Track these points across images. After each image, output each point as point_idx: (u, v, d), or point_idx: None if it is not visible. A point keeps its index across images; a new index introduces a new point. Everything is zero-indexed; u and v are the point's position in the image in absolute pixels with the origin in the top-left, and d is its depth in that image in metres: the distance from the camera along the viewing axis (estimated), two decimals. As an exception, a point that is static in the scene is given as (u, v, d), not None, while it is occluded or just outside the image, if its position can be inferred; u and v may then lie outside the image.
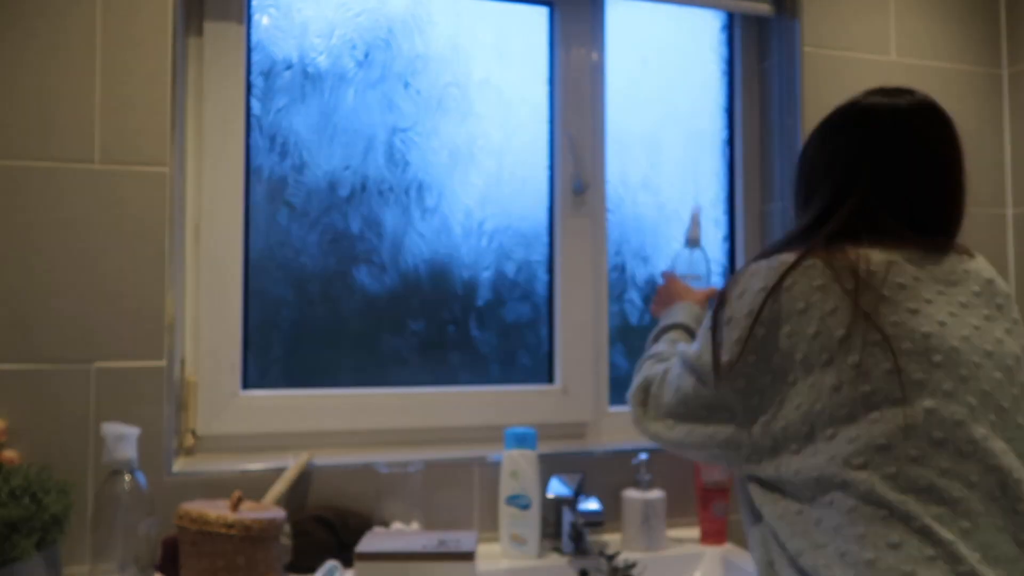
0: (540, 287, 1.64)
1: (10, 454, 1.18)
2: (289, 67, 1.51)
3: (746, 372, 0.90)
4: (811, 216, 0.97)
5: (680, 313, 1.27)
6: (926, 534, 0.77)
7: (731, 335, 0.91)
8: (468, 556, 1.17)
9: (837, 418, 0.83)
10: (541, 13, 1.66)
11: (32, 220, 1.23)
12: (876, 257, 0.89)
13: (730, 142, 1.77)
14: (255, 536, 1.12)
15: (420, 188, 1.57)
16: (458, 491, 1.42)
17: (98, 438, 1.21)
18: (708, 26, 1.78)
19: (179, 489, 1.28)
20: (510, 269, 1.62)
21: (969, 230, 1.69)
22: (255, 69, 1.49)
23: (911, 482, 0.79)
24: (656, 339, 1.25)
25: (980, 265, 0.95)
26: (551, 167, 1.65)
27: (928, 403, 0.82)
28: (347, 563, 1.25)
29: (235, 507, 1.14)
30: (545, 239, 1.64)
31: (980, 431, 0.82)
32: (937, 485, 0.79)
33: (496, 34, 1.63)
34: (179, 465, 1.33)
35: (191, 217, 1.42)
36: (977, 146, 1.73)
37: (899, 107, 0.95)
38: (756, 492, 0.91)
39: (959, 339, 0.86)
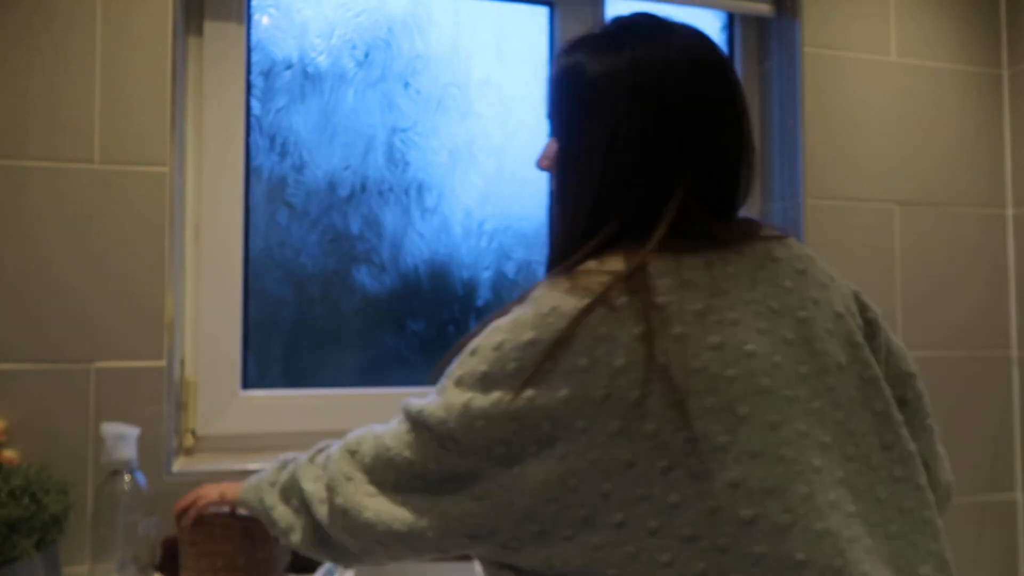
0: (540, 287, 1.64)
1: (10, 454, 1.18)
2: (289, 67, 1.51)
3: (505, 439, 0.70)
4: (581, 220, 0.79)
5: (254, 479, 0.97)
6: None
7: (488, 392, 0.71)
8: (467, 556, 1.16)
9: (628, 500, 0.66)
10: (541, 13, 1.66)
11: (32, 220, 1.23)
12: (663, 281, 0.71)
13: (730, 142, 1.76)
14: (255, 536, 1.12)
15: (420, 188, 1.57)
16: (458, 491, 1.42)
17: (98, 438, 1.21)
18: (708, 26, 1.78)
19: (179, 489, 1.28)
20: (510, 269, 1.62)
21: (969, 230, 1.71)
22: (255, 69, 1.49)
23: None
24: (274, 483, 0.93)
25: (792, 251, 0.78)
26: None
27: (732, 474, 0.66)
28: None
29: (235, 507, 1.14)
30: (545, 239, 1.64)
31: (801, 489, 0.66)
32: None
33: (496, 34, 1.63)
34: (179, 465, 1.33)
35: (191, 217, 1.42)
36: (977, 146, 1.74)
37: (669, 56, 0.78)
38: None
39: (770, 368, 0.70)
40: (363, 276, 1.54)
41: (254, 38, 1.49)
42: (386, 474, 0.76)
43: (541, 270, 1.62)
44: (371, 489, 0.77)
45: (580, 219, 0.79)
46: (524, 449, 0.69)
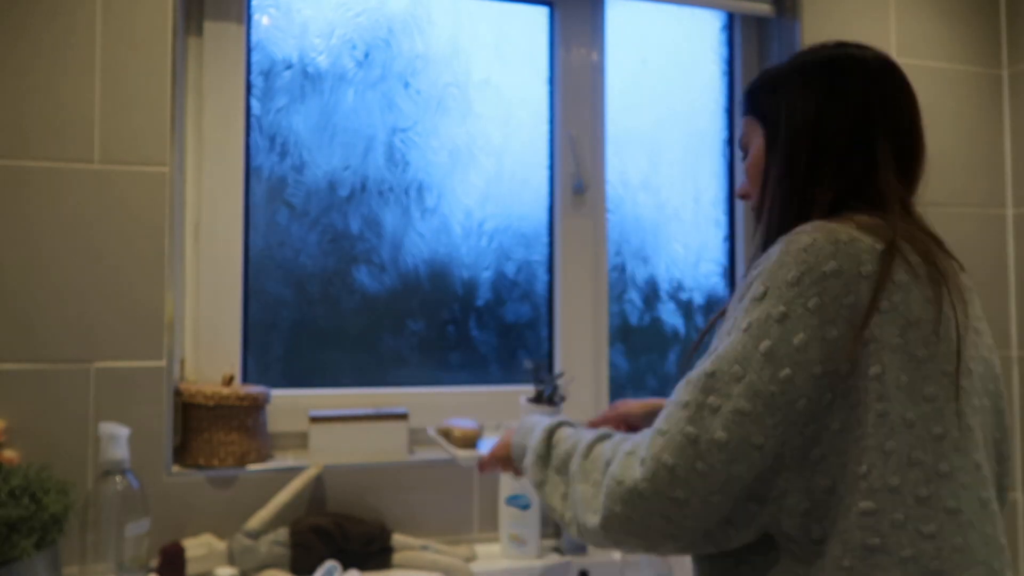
0: (540, 287, 1.64)
1: (10, 454, 1.18)
2: (289, 67, 1.51)
3: (808, 392, 0.67)
4: (840, 182, 0.78)
5: (534, 422, 0.93)
6: None
7: (791, 336, 0.67)
8: (402, 417, 1.39)
9: (908, 462, 0.67)
10: (541, 13, 1.66)
11: (32, 220, 1.23)
12: (942, 257, 0.75)
13: (730, 142, 1.77)
14: (260, 405, 1.34)
15: (420, 188, 1.57)
16: (458, 491, 1.42)
17: (98, 438, 1.21)
18: (708, 26, 1.78)
19: (178, 489, 1.28)
20: (510, 269, 1.62)
21: (969, 230, 1.71)
22: (255, 69, 1.49)
23: (970, 554, 0.68)
24: (549, 457, 0.86)
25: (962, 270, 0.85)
26: (551, 167, 1.65)
27: (977, 457, 0.71)
28: (346, 564, 1.25)
29: (228, 384, 1.34)
30: (545, 239, 1.64)
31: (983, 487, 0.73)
32: (978, 553, 0.69)
33: (496, 34, 1.63)
34: (178, 465, 1.33)
35: (191, 217, 1.42)
36: (977, 146, 1.73)
37: (894, 64, 0.84)
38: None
39: (977, 376, 0.76)
40: (363, 276, 1.54)
41: (254, 38, 1.49)
42: (691, 458, 0.68)
43: (541, 270, 1.63)
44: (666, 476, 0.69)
45: (791, 183, 0.80)
46: (822, 400, 0.67)
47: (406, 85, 1.57)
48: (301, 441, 1.45)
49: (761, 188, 0.85)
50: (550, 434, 0.88)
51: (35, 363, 1.22)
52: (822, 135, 0.79)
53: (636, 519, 0.70)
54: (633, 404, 1.10)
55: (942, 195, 1.70)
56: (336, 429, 1.37)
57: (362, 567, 1.27)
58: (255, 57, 1.49)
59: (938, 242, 0.80)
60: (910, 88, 0.83)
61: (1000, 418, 0.81)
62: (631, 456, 0.71)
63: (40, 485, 1.08)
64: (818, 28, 1.63)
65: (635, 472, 0.69)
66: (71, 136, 1.24)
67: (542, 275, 1.64)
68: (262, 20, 1.50)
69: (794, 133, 0.80)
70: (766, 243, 0.79)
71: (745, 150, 0.90)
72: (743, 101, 0.91)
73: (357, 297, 1.53)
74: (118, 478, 1.15)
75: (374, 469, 1.37)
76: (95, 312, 1.25)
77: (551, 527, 1.43)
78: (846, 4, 1.66)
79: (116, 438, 1.15)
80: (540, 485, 0.86)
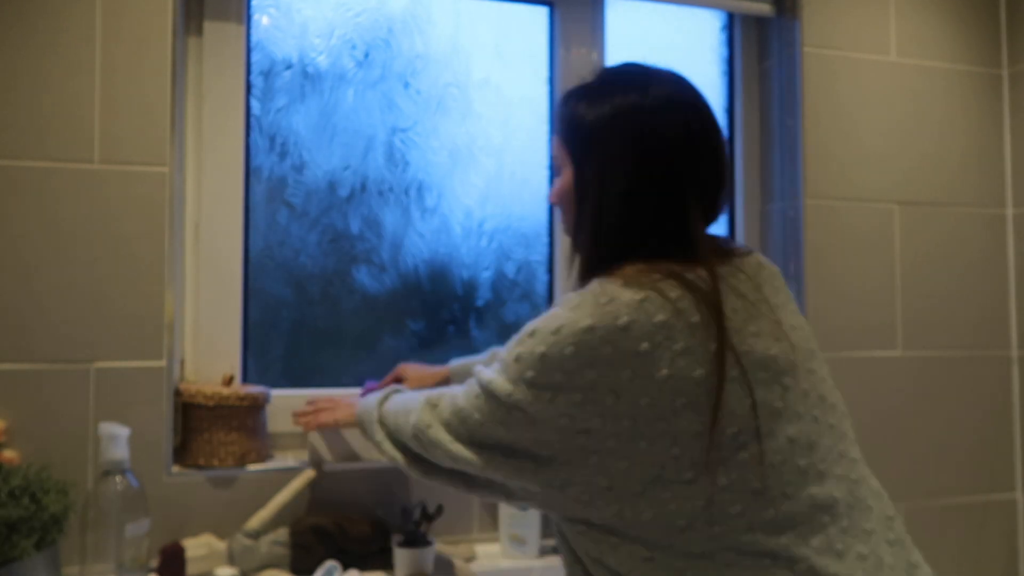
0: (540, 287, 1.64)
1: (10, 454, 1.18)
2: (289, 67, 1.51)
3: (569, 412, 0.78)
4: (617, 229, 0.87)
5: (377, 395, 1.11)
6: (812, 571, 0.75)
7: (549, 373, 0.79)
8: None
9: (699, 462, 0.76)
10: (541, 13, 1.66)
11: (31, 220, 1.23)
12: (702, 282, 0.82)
13: (730, 142, 1.77)
14: (260, 405, 1.34)
15: (420, 188, 1.57)
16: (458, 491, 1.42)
17: (97, 438, 1.21)
18: (708, 26, 1.78)
19: (178, 489, 1.28)
20: (510, 269, 1.62)
21: (969, 230, 1.71)
22: (255, 69, 1.49)
23: (789, 520, 0.77)
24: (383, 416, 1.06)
25: (765, 261, 0.93)
26: (551, 167, 1.65)
27: (790, 431, 0.79)
28: (346, 564, 1.25)
29: (228, 384, 1.34)
30: (545, 239, 1.64)
31: (826, 442, 0.82)
32: (811, 516, 0.78)
33: (496, 34, 1.63)
34: (178, 465, 1.33)
35: (191, 217, 1.42)
36: (977, 146, 1.73)
37: (680, 99, 0.90)
38: (584, 537, 0.83)
39: (791, 348, 0.83)
40: (363, 276, 1.54)
41: (254, 38, 1.49)
42: (460, 429, 0.86)
43: (541, 270, 1.63)
44: (449, 437, 0.88)
45: (598, 238, 0.88)
46: (588, 420, 0.78)
47: (406, 85, 1.57)
48: (301, 441, 1.45)
49: (574, 224, 0.92)
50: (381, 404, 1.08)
51: (35, 363, 1.22)
52: (635, 203, 0.86)
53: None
54: (411, 370, 1.37)
55: (942, 195, 1.70)
56: (336, 429, 1.36)
57: (362, 567, 1.27)
58: (255, 57, 1.49)
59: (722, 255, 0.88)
60: (715, 126, 0.90)
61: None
62: (435, 410, 0.91)
63: (40, 485, 1.08)
64: (818, 28, 1.63)
65: (440, 431, 0.89)
66: (70, 136, 1.24)
67: (542, 275, 1.64)
68: (262, 20, 1.50)
69: (604, 204, 0.87)
70: (581, 280, 0.89)
71: (558, 168, 0.96)
72: (555, 119, 0.96)
73: (357, 297, 1.53)
74: (118, 478, 1.15)
75: (374, 469, 1.37)
76: (95, 312, 1.25)
77: (551, 527, 1.43)
78: (846, 4, 1.66)
79: (116, 438, 1.15)
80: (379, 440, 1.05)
